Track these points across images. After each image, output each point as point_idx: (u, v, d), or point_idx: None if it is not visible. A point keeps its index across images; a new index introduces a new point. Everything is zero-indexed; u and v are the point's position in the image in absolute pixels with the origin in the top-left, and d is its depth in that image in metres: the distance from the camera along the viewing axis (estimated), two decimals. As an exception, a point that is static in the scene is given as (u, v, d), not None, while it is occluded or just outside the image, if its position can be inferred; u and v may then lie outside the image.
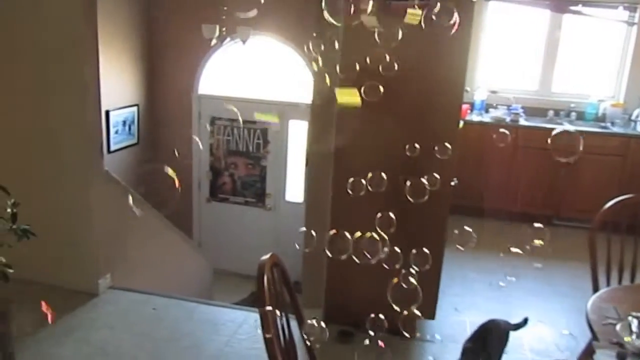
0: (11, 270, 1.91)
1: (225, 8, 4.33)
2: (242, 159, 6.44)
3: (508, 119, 5.25)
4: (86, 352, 2.89)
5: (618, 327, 1.78)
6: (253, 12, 3.47)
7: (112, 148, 5.76)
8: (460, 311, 3.48)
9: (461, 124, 3.26)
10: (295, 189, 6.37)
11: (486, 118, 5.34)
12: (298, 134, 6.20)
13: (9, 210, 1.93)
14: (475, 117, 5.35)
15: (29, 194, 2.05)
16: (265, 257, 1.66)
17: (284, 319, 1.69)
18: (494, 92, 5.55)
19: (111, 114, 5.66)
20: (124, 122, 5.99)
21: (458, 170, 3.08)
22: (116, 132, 5.85)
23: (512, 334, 2.56)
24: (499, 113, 5.36)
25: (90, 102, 3.26)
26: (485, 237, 4.87)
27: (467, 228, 1.71)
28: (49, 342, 2.93)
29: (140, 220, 4.16)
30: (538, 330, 3.40)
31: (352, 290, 3.07)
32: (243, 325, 3.20)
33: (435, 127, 2.79)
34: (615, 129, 5.18)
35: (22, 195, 2.02)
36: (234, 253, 6.32)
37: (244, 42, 5.20)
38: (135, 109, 6.14)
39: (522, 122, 5.24)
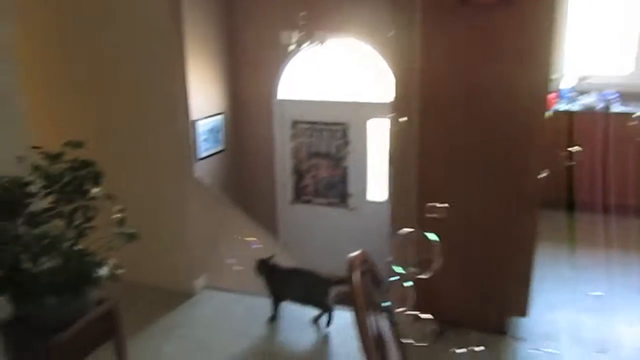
0: (121, 271, 2.07)
1: (303, 13, 4.42)
2: (323, 161, 6.54)
3: (600, 106, 4.96)
4: (188, 348, 3.07)
5: None
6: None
7: (201, 155, 6.04)
8: (555, 310, 3.35)
9: (548, 113, 3.15)
10: (377, 188, 6.38)
11: (576, 106, 5.08)
12: (378, 133, 6.20)
13: (116, 215, 2.10)
14: (564, 106, 5.11)
15: (130, 201, 2.20)
16: (355, 253, 1.70)
17: (374, 315, 1.72)
18: (583, 78, 5.27)
19: (199, 123, 5.94)
20: (211, 130, 6.27)
21: (547, 162, 2.97)
22: (204, 140, 6.13)
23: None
24: (590, 100, 5.08)
25: (181, 113, 3.46)
26: (579, 231, 4.64)
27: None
28: (154, 339, 3.14)
29: (229, 222, 4.35)
30: (642, 329, 3.21)
31: (442, 289, 3.04)
32: (332, 324, 3.26)
33: (520, 119, 2.72)
34: None
35: (124, 202, 2.18)
36: (318, 253, 6.42)
37: (322, 44, 5.28)
38: (221, 117, 6.41)
39: (617, 108, 4.94)
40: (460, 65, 2.77)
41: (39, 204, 2.05)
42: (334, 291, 3.20)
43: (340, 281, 3.18)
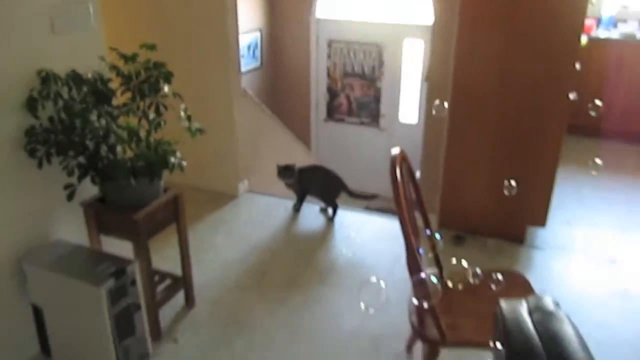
0: (185, 163, 2.36)
1: None
2: (357, 81, 6.68)
3: None
4: (234, 240, 3.43)
5: None
6: None
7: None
8: (572, 224, 3.60)
9: (584, 40, 3.24)
10: (409, 111, 6.54)
11: (614, 34, 5.09)
12: (413, 55, 6.28)
13: (182, 113, 2.36)
14: (601, 34, 5.12)
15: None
16: (396, 151, 1.93)
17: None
18: (625, 6, 5.23)
19: (238, 38, 6.08)
20: (249, 47, 6.42)
21: (579, 88, 3.11)
22: (242, 56, 6.28)
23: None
24: (630, 28, 5.08)
25: (231, 26, 3.64)
26: (606, 158, 4.80)
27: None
28: (205, 232, 3.51)
29: (270, 133, 4.61)
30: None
31: (466, 198, 3.31)
32: (366, 225, 3.58)
33: (554, 43, 2.85)
34: None
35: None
36: (348, 171, 6.67)
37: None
38: (258, 33, 6.53)
39: (656, 37, 4.94)
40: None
41: (118, 99, 2.32)
42: (342, 194, 3.73)
43: (351, 192, 3.75)
